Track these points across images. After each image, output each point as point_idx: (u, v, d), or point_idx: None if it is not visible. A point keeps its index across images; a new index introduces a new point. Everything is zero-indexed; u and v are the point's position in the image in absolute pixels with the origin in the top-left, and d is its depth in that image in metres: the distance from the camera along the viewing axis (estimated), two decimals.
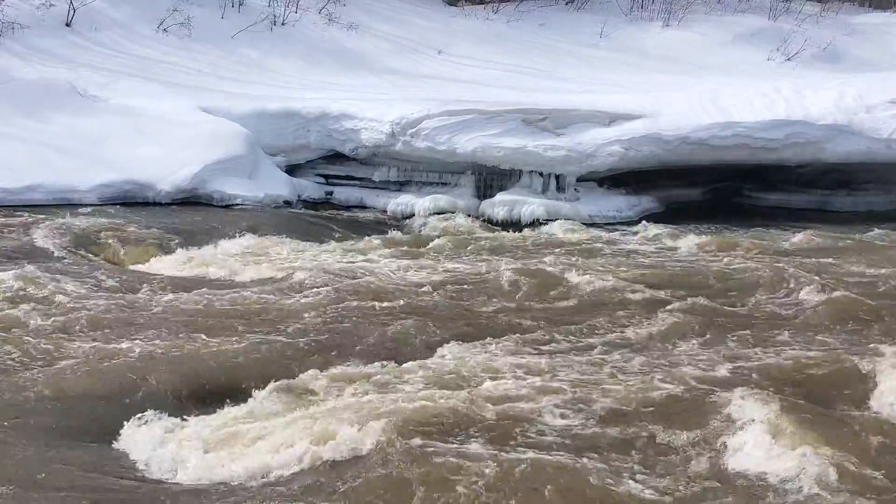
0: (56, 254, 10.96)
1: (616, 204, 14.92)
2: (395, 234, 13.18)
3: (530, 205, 14.17)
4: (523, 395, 6.78)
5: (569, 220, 13.90)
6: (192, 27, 20.79)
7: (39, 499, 5.40)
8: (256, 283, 9.92)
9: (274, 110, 15.89)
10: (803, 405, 6.71)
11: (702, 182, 16.44)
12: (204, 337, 8.03)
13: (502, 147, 14.40)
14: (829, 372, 7.44)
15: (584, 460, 5.84)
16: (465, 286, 9.99)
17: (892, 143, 14.80)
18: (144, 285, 9.73)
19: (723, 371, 7.44)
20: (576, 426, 6.35)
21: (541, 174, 14.62)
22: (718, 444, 6.10)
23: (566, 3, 27.66)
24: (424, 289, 9.81)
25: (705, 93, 16.04)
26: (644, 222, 13.94)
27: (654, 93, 16.92)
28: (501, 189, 14.75)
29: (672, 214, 14.83)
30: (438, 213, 14.26)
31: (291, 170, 15.75)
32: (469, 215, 14.26)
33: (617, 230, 13.67)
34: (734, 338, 8.38)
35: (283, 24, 22.43)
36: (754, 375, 7.34)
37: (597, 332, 8.52)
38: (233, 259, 11.02)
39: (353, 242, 12.38)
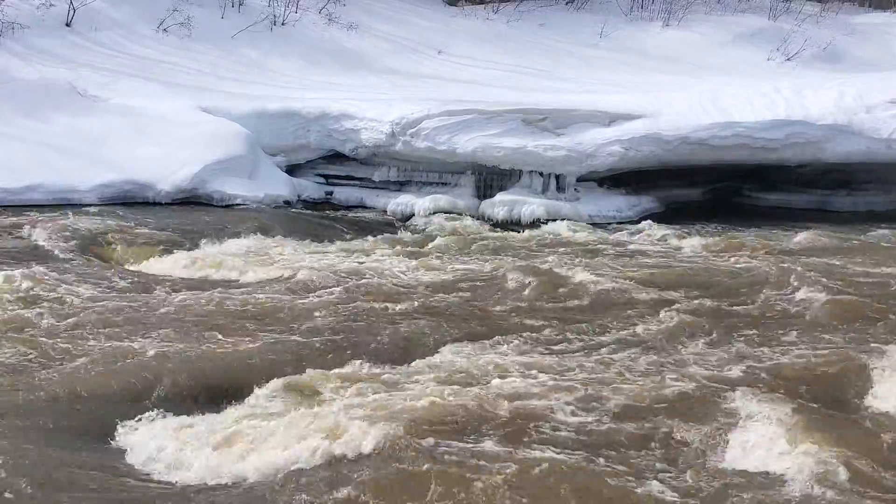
0: (56, 254, 10.95)
1: (616, 204, 14.91)
2: (396, 234, 13.18)
3: (530, 205, 14.17)
4: (534, 394, 6.79)
5: (569, 220, 13.89)
6: (192, 27, 20.79)
7: (44, 499, 5.40)
8: (261, 284, 9.92)
9: (274, 110, 15.89)
10: (810, 404, 6.77)
11: (702, 182, 16.44)
12: (210, 337, 8.03)
13: (502, 147, 14.40)
14: (834, 371, 7.47)
15: (597, 458, 5.88)
16: (471, 286, 10.00)
17: (892, 143, 14.79)
18: (146, 286, 9.74)
19: (730, 370, 7.47)
20: (587, 425, 6.37)
21: (541, 174, 14.62)
22: (727, 443, 6.13)
23: (566, 3, 27.66)
24: (430, 289, 9.83)
25: (705, 93, 16.04)
26: (649, 221, 13.92)
27: (654, 93, 16.92)
28: (501, 189, 14.75)
29: (672, 214, 14.83)
30: (438, 214, 14.26)
31: (291, 170, 15.76)
32: (469, 215, 14.26)
33: (618, 230, 13.67)
34: (740, 337, 8.40)
35: (283, 24, 22.43)
36: (761, 375, 7.37)
37: (604, 331, 8.54)
38: (235, 259, 11.02)
39: (355, 242, 12.39)
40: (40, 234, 11.57)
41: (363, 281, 9.91)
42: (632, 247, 12.58)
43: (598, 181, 15.23)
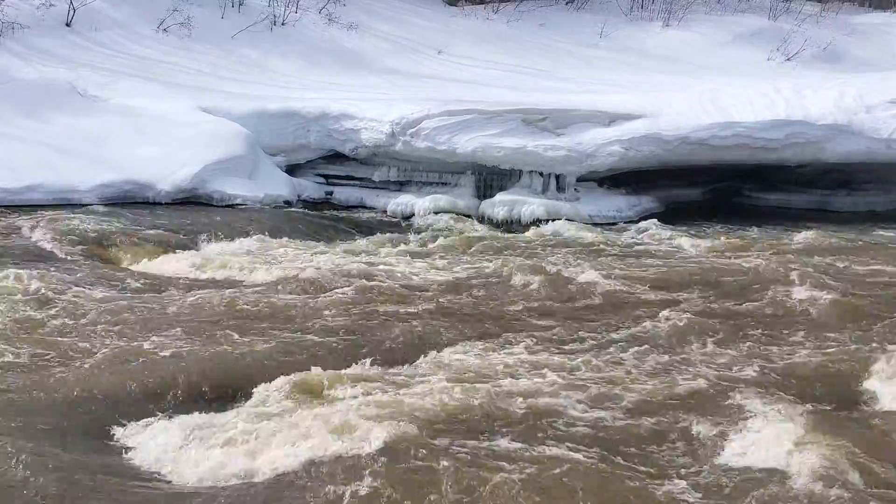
0: (56, 254, 10.96)
1: (616, 204, 14.91)
2: (398, 234, 13.16)
3: (530, 205, 14.16)
4: (545, 393, 6.82)
5: (569, 220, 13.89)
6: (192, 27, 20.79)
7: (49, 499, 5.40)
8: (264, 284, 9.91)
9: (274, 110, 15.89)
10: (817, 403, 6.85)
11: (702, 182, 16.44)
12: (217, 337, 8.02)
13: (502, 147, 14.40)
14: (840, 370, 7.51)
15: (609, 456, 5.93)
16: (477, 286, 10.01)
17: (892, 143, 14.79)
18: (148, 286, 9.75)
19: (737, 369, 7.52)
20: (599, 423, 6.41)
21: (541, 174, 14.62)
22: (736, 442, 6.16)
23: (566, 3, 27.66)
24: (436, 288, 9.85)
25: (705, 93, 16.04)
26: (655, 221, 13.94)
27: (654, 93, 16.92)
28: (501, 189, 14.75)
29: (672, 214, 14.83)
30: (438, 213, 14.25)
31: (291, 170, 15.75)
32: (469, 215, 14.27)
33: (620, 230, 13.68)
34: (746, 336, 8.44)
35: (283, 24, 22.43)
36: (768, 374, 7.42)
37: (613, 330, 8.57)
38: (238, 259, 11.01)
39: (357, 243, 12.39)
40: (40, 234, 11.57)
41: (369, 281, 9.91)
42: (636, 247, 12.60)
43: (598, 181, 15.23)
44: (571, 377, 7.22)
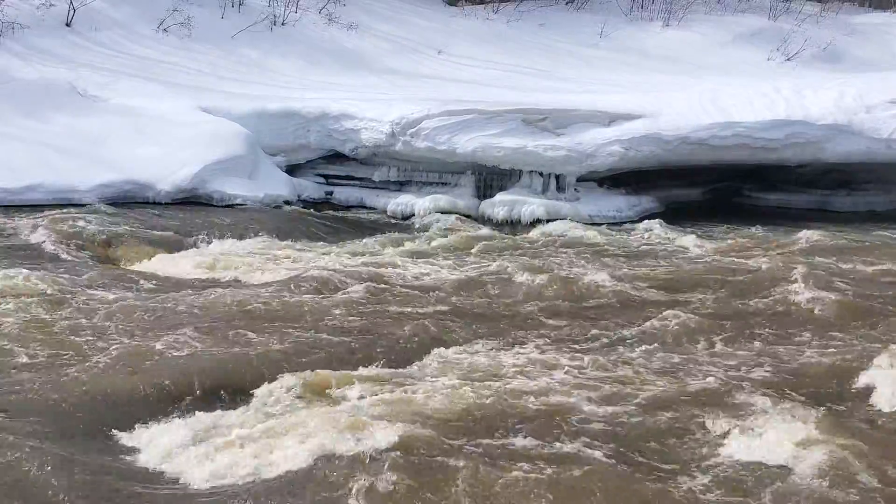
0: (57, 254, 10.97)
1: (616, 204, 14.92)
2: (399, 234, 13.16)
3: (530, 205, 14.16)
4: (554, 392, 6.85)
5: (569, 220, 13.88)
6: (192, 27, 20.78)
7: (54, 500, 5.39)
8: (267, 284, 9.88)
9: (274, 110, 15.89)
10: (823, 402, 6.89)
11: (702, 182, 16.44)
12: (223, 337, 8.00)
13: (502, 147, 14.40)
14: (845, 370, 7.53)
15: (622, 454, 5.97)
16: (482, 286, 10.03)
17: (892, 143, 14.79)
18: (149, 286, 9.74)
19: (743, 369, 7.56)
20: (609, 422, 6.43)
21: (541, 174, 14.62)
22: (743, 440, 6.17)
23: (566, 3, 27.66)
24: (441, 288, 9.86)
25: (705, 93, 16.03)
26: (660, 221, 13.94)
27: (654, 93, 16.92)
28: (501, 189, 14.75)
29: (672, 214, 14.84)
30: (438, 213, 14.25)
31: (291, 170, 15.75)
32: (469, 215, 14.26)
33: (622, 230, 13.70)
34: (752, 336, 8.48)
35: (283, 24, 22.43)
36: (775, 373, 7.46)
37: (620, 330, 8.60)
38: (239, 259, 11.02)
39: (359, 243, 12.38)
40: (41, 234, 11.56)
41: (373, 281, 9.91)
42: (639, 247, 12.63)
43: (598, 181, 15.23)
44: (581, 376, 7.24)
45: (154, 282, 9.96)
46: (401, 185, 15.46)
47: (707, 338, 8.36)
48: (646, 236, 13.27)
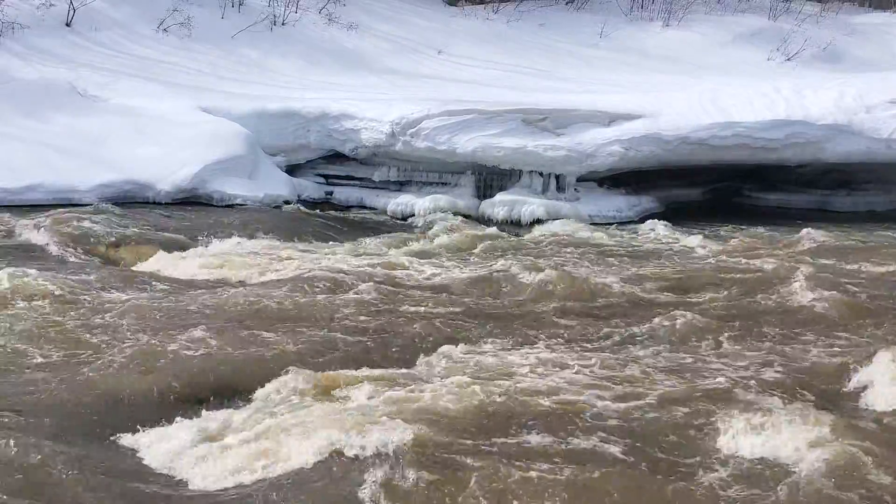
0: (61, 254, 10.99)
1: (616, 204, 14.92)
2: (400, 234, 13.15)
3: (530, 205, 14.16)
4: (565, 391, 6.84)
5: (569, 220, 13.88)
6: (192, 27, 20.79)
7: (60, 500, 5.40)
8: (270, 284, 9.84)
9: (274, 110, 15.89)
10: (830, 401, 6.93)
11: (702, 182, 16.45)
12: (227, 337, 7.96)
13: (502, 147, 14.40)
14: (851, 369, 7.54)
15: (632, 452, 5.99)
16: (487, 285, 10.02)
17: (892, 143, 14.80)
18: (151, 286, 9.73)
19: (753, 369, 7.57)
20: (619, 420, 6.44)
21: (541, 174, 14.62)
22: (750, 439, 6.19)
23: (566, 3, 27.66)
24: (445, 288, 9.87)
25: (705, 93, 16.04)
26: (666, 223, 13.93)
27: (654, 93, 16.93)
28: (501, 189, 14.75)
29: (672, 214, 14.84)
30: (438, 213, 14.25)
31: (291, 170, 15.76)
32: (469, 215, 14.26)
33: (623, 230, 13.70)
34: (759, 336, 8.50)
35: (283, 24, 22.43)
36: (783, 373, 7.48)
37: (628, 329, 8.61)
38: (241, 259, 10.99)
39: (360, 243, 12.36)
40: (43, 234, 11.58)
41: (377, 281, 9.90)
42: (642, 247, 12.64)
43: (598, 181, 15.23)
44: (592, 375, 7.24)
45: (160, 282, 9.95)
46: (401, 185, 15.46)
47: (714, 337, 8.38)
48: (651, 236, 13.27)
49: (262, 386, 6.95)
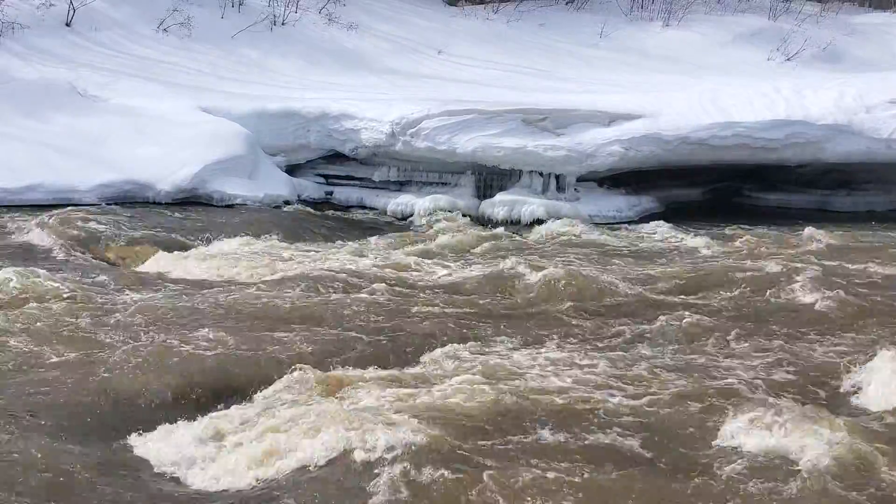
0: (58, 254, 10.99)
1: (616, 204, 14.92)
2: (401, 234, 13.13)
3: (530, 205, 14.16)
4: (574, 391, 6.87)
5: (569, 219, 13.86)
6: (192, 27, 20.78)
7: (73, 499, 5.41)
8: (273, 284, 9.82)
9: (274, 110, 15.89)
10: (836, 401, 7.00)
11: (702, 182, 16.44)
12: (240, 337, 7.95)
13: (502, 147, 14.40)
14: (858, 368, 7.58)
15: (638, 450, 6.03)
16: (493, 285, 10.00)
17: (892, 143, 14.80)
18: (152, 286, 9.73)
19: (760, 369, 7.62)
20: (627, 419, 6.46)
21: (541, 174, 14.62)
22: (758, 439, 6.20)
23: (566, 3, 27.66)
24: (451, 287, 9.87)
25: (705, 93, 16.04)
26: (665, 222, 13.93)
27: (654, 93, 16.93)
28: (501, 189, 14.75)
29: (672, 214, 14.83)
30: (439, 213, 14.24)
31: (291, 170, 15.75)
32: (469, 215, 14.26)
33: (625, 230, 13.70)
34: (765, 335, 8.52)
35: (283, 24, 22.43)
36: (789, 372, 7.54)
37: (634, 329, 8.62)
38: (242, 259, 10.98)
39: (361, 243, 12.35)
40: (40, 234, 11.58)
41: (382, 280, 9.91)
42: (645, 246, 12.64)
43: (598, 181, 15.23)
44: (602, 374, 7.27)
45: (163, 282, 9.94)
46: (401, 185, 15.46)
47: (722, 336, 8.41)
48: (654, 236, 13.27)
49: (272, 385, 6.95)
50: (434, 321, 8.59)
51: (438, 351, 7.80)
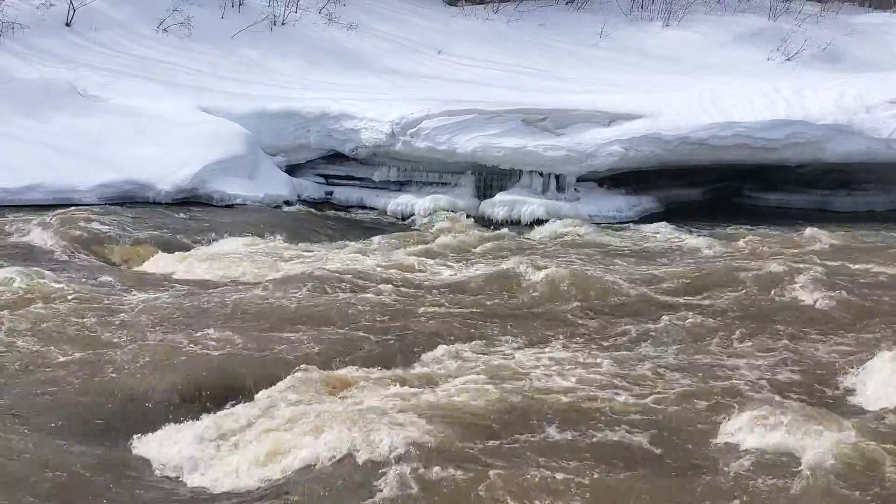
0: (58, 254, 10.97)
1: (616, 204, 14.92)
2: (401, 234, 13.10)
3: (530, 205, 14.16)
4: (578, 391, 6.86)
5: (569, 219, 13.86)
6: (192, 27, 20.78)
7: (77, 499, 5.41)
8: (275, 284, 9.77)
9: (274, 110, 15.89)
10: (839, 401, 7.00)
11: (702, 182, 16.44)
12: (245, 337, 7.94)
13: (502, 147, 14.40)
14: (857, 368, 7.59)
15: (653, 451, 6.03)
16: (496, 285, 9.98)
17: (892, 143, 14.80)
18: (153, 286, 9.71)
19: (764, 368, 7.61)
20: (638, 418, 6.46)
21: (541, 174, 14.61)
22: (761, 439, 6.21)
23: (566, 3, 27.66)
24: (454, 287, 9.85)
25: (705, 93, 16.04)
26: (665, 223, 13.91)
27: (654, 93, 16.93)
28: (501, 189, 14.75)
29: (672, 214, 14.83)
30: (439, 213, 14.23)
31: (291, 170, 15.75)
32: (469, 215, 14.25)
33: (626, 230, 13.70)
34: (771, 334, 8.53)
35: (283, 24, 22.43)
36: (794, 372, 7.54)
37: (638, 329, 8.62)
38: (243, 259, 10.97)
39: (361, 243, 12.32)
40: (41, 234, 11.57)
41: (384, 280, 9.90)
42: (646, 246, 12.63)
43: (598, 181, 15.23)
44: (605, 374, 7.27)
45: (165, 283, 9.93)
46: (401, 185, 15.46)
47: (726, 336, 8.42)
48: (656, 237, 13.27)
49: (277, 385, 6.92)
50: (438, 321, 8.58)
51: (443, 351, 7.79)
